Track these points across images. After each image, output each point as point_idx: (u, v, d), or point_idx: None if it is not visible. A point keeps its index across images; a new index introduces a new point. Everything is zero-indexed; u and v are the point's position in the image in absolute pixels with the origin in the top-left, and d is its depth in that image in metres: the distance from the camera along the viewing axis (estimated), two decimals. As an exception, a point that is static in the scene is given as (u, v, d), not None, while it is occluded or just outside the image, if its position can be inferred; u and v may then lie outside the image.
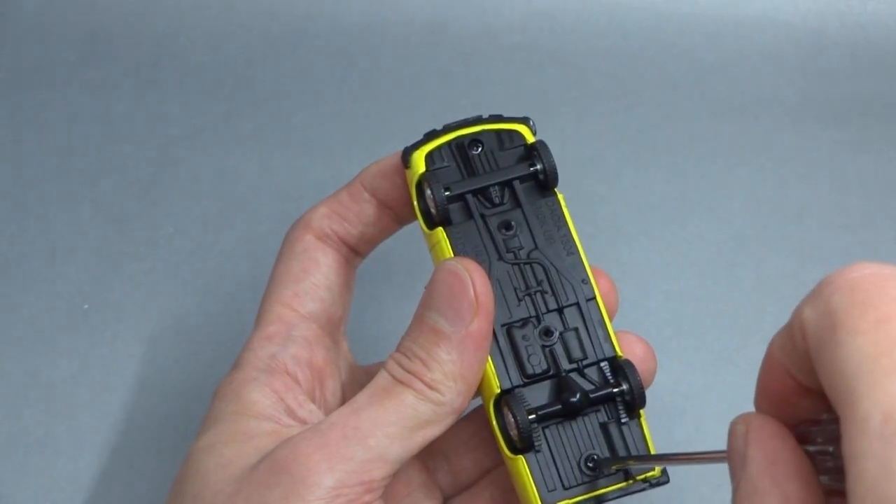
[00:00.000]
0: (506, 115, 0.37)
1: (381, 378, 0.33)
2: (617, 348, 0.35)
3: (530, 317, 0.34)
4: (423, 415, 0.32)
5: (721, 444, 0.46)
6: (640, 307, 0.52)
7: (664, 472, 0.34)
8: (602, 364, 0.34)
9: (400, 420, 0.32)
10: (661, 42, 0.63)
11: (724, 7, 0.64)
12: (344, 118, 0.59)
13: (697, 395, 0.49)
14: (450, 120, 0.37)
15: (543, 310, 0.34)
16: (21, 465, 0.47)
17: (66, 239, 0.54)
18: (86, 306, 0.52)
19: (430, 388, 0.32)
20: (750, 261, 0.54)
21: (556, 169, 0.35)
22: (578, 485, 0.33)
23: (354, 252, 0.39)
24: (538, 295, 0.35)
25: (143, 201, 0.55)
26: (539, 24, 0.63)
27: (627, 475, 0.33)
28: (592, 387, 0.34)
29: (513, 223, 0.35)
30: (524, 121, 0.37)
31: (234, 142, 0.58)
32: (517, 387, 0.34)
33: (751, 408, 0.49)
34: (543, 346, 0.34)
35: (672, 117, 0.60)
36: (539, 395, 0.34)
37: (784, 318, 0.55)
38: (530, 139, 0.36)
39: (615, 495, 0.34)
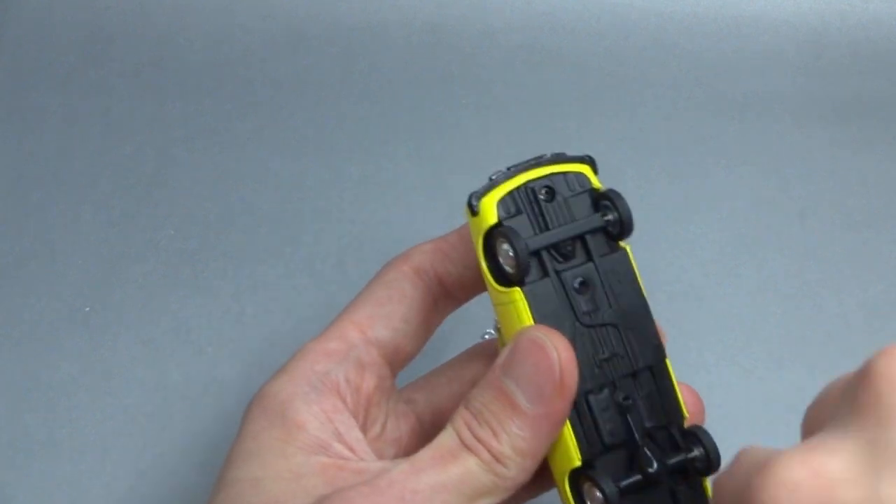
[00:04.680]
0: (568, 153, 0.35)
1: (447, 437, 0.32)
2: (684, 410, 0.34)
3: (607, 383, 0.33)
4: (484, 486, 0.31)
5: (721, 443, 0.46)
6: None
7: None
8: (671, 428, 0.33)
9: (460, 488, 0.31)
10: (661, 42, 0.63)
11: (724, 7, 0.64)
12: (344, 119, 0.59)
13: (699, 395, 0.49)
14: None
15: (619, 374, 0.33)
16: (22, 467, 0.47)
17: (66, 241, 0.54)
18: (87, 308, 0.52)
19: (497, 460, 0.31)
20: (752, 260, 0.54)
21: (632, 220, 0.33)
22: None
23: (450, 296, 0.37)
24: (614, 359, 0.33)
25: (143, 203, 0.55)
26: (539, 24, 0.63)
27: None
28: (670, 455, 0.33)
29: (589, 282, 0.33)
30: (588, 161, 0.35)
31: (235, 143, 0.58)
32: (594, 458, 0.32)
33: (751, 408, 0.49)
34: (620, 415, 0.33)
35: (673, 117, 0.60)
36: (615, 465, 0.32)
37: (785, 318, 0.55)
38: (596, 183, 0.34)
39: None
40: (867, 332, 0.52)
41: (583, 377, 0.32)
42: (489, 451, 0.31)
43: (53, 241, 0.54)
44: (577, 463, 0.32)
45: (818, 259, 0.54)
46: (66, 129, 0.59)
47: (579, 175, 0.34)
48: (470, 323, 0.40)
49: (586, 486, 0.32)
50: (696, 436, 0.33)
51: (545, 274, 0.33)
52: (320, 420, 0.33)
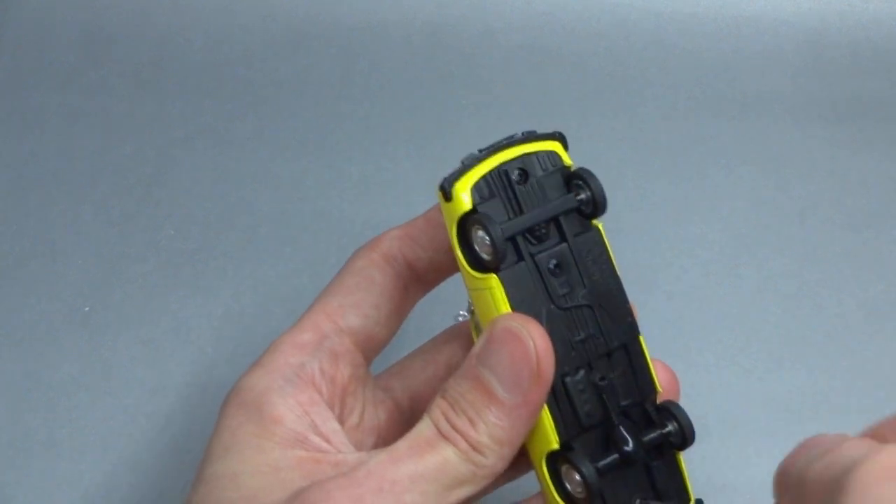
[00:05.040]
0: (538, 131, 0.34)
1: (425, 427, 0.31)
2: (657, 385, 0.34)
3: (583, 364, 0.33)
4: (462, 475, 0.31)
5: (721, 443, 0.46)
6: (641, 307, 0.51)
7: (700, 503, 0.34)
8: (646, 404, 0.33)
9: (438, 477, 0.31)
10: (661, 42, 0.63)
11: (724, 7, 0.64)
12: (344, 119, 0.59)
13: (700, 395, 0.49)
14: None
15: (595, 355, 0.33)
16: (22, 467, 0.47)
17: (66, 241, 0.54)
18: (86, 308, 0.52)
19: (475, 449, 0.31)
20: (751, 260, 0.54)
21: (605, 198, 0.33)
22: None
23: (420, 280, 0.37)
24: (589, 340, 0.33)
25: (143, 203, 0.55)
26: (539, 24, 0.63)
27: None
28: (645, 432, 0.33)
29: (563, 263, 0.33)
30: (559, 138, 0.34)
31: (235, 143, 0.58)
32: (572, 440, 0.32)
33: (752, 408, 0.49)
34: (596, 396, 0.32)
35: (672, 117, 0.60)
36: (592, 445, 0.33)
37: (785, 318, 0.55)
38: (567, 161, 0.34)
39: None
40: (867, 332, 0.52)
41: (559, 360, 0.32)
42: (467, 440, 0.31)
43: (53, 241, 0.54)
44: (555, 446, 0.32)
45: (818, 259, 0.54)
46: (66, 129, 0.59)
47: (551, 154, 0.33)
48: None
49: (564, 468, 0.32)
50: (670, 411, 0.33)
51: (520, 258, 0.32)
52: (297, 413, 0.33)
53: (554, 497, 0.33)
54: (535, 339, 0.31)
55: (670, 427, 0.33)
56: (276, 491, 0.31)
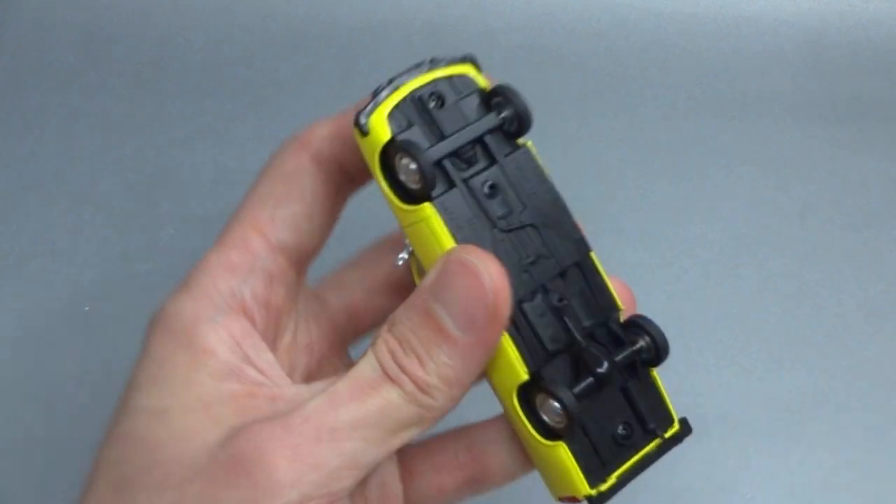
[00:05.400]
0: (443, 56, 0.32)
1: (368, 366, 0.29)
2: (618, 302, 0.32)
3: (537, 287, 0.31)
4: (408, 418, 0.29)
5: (721, 443, 0.46)
6: (641, 308, 0.51)
7: (684, 422, 0.33)
8: (610, 324, 0.32)
9: (382, 422, 0.28)
10: (661, 42, 0.63)
11: (724, 7, 0.64)
12: (344, 118, 0.59)
13: (700, 395, 0.49)
14: None
15: (547, 276, 0.31)
16: (22, 467, 0.47)
17: (66, 240, 0.54)
18: (86, 308, 0.52)
19: (422, 391, 0.29)
20: (751, 260, 0.54)
21: (529, 114, 0.31)
22: (616, 458, 0.31)
23: (352, 181, 0.34)
24: (540, 261, 0.31)
25: (143, 202, 0.55)
26: (539, 24, 0.63)
27: (654, 435, 0.32)
28: (616, 351, 0.31)
29: (497, 185, 0.31)
30: (470, 60, 0.32)
31: (235, 143, 0.58)
32: (540, 369, 0.31)
33: (752, 408, 0.49)
34: (557, 319, 0.31)
35: (672, 117, 0.60)
36: (561, 372, 0.31)
37: (785, 318, 0.55)
38: (483, 82, 0.32)
39: (652, 459, 0.32)
40: (867, 332, 0.52)
41: (512, 286, 0.30)
42: (414, 381, 0.29)
43: (53, 241, 0.54)
44: (525, 377, 0.30)
45: (818, 259, 0.54)
46: (66, 129, 0.59)
47: (463, 77, 0.32)
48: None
49: (539, 399, 0.31)
50: (639, 325, 0.32)
51: (451, 184, 0.31)
52: (229, 346, 0.30)
53: (529, 432, 0.31)
54: (492, 275, 0.28)
55: (641, 343, 0.32)
56: (208, 430, 0.29)
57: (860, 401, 0.49)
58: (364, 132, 0.31)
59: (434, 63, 0.32)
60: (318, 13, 0.63)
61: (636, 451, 0.32)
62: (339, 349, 0.36)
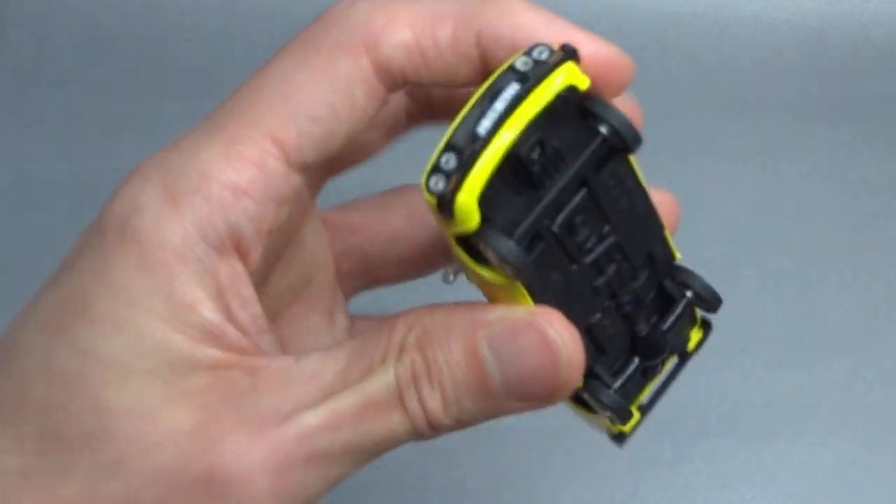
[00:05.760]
0: (545, 51, 0.24)
1: (383, 385, 0.24)
2: (675, 253, 0.28)
3: (608, 298, 0.27)
4: (399, 443, 0.25)
5: (721, 443, 0.46)
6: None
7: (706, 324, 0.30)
8: (665, 284, 0.28)
9: (376, 449, 0.24)
10: (662, 42, 0.63)
11: (724, 7, 0.64)
12: (344, 118, 0.59)
13: (700, 395, 0.49)
14: None
15: (620, 283, 0.27)
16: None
17: (66, 241, 0.54)
18: (87, 307, 0.51)
19: (432, 427, 0.24)
20: (751, 261, 0.54)
21: (631, 128, 0.26)
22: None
23: (422, 112, 0.28)
24: (618, 273, 0.26)
25: (143, 202, 0.55)
26: (539, 24, 0.63)
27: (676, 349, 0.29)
28: (665, 317, 0.28)
29: (584, 210, 0.25)
30: (571, 55, 0.24)
31: (235, 142, 0.58)
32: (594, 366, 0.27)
33: (752, 408, 0.49)
34: (626, 326, 0.27)
35: (672, 117, 0.60)
36: (613, 360, 0.28)
37: (785, 318, 0.55)
38: (583, 84, 0.24)
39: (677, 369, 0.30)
40: (867, 332, 0.52)
41: (584, 310, 0.26)
42: (429, 419, 0.24)
43: (54, 241, 0.54)
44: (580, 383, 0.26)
45: (818, 259, 0.54)
46: (66, 129, 0.59)
47: (570, 89, 0.24)
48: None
49: (596, 386, 0.27)
50: (684, 282, 0.28)
51: (539, 238, 0.25)
52: (213, 298, 0.24)
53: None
54: (571, 359, 0.24)
55: (689, 295, 0.28)
56: (176, 411, 0.23)
57: (860, 401, 0.49)
58: (446, 213, 0.23)
59: (534, 76, 0.24)
60: (319, 13, 0.63)
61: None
62: (333, 298, 0.30)
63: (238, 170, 0.25)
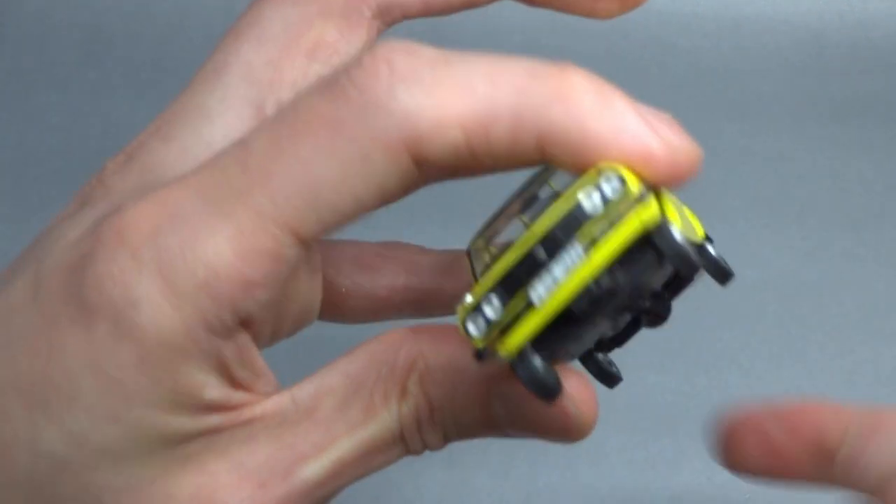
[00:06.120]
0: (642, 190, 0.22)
1: (388, 432, 0.23)
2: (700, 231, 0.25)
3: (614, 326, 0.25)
4: (392, 463, 0.24)
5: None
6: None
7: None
8: None
9: (371, 472, 0.24)
10: (661, 42, 0.63)
11: (724, 7, 0.64)
12: (344, 118, 0.59)
13: (699, 395, 0.49)
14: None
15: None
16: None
17: (66, 240, 0.54)
18: (87, 307, 0.51)
19: (427, 449, 0.24)
20: (751, 261, 0.54)
21: (691, 261, 0.22)
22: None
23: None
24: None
25: (143, 202, 0.55)
26: (539, 24, 0.63)
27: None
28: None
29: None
30: (645, 197, 0.22)
31: (235, 142, 0.58)
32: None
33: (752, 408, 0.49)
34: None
35: (672, 117, 0.60)
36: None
37: (785, 318, 0.55)
38: (654, 218, 0.22)
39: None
40: (867, 332, 0.52)
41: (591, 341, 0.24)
42: (426, 446, 0.24)
43: (53, 240, 0.54)
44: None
45: (818, 259, 0.54)
46: (67, 128, 0.59)
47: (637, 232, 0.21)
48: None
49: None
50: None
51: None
52: (218, 375, 0.23)
53: None
54: (586, 422, 0.24)
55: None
56: (181, 483, 0.23)
57: (860, 401, 0.49)
58: (481, 358, 0.22)
59: (596, 221, 0.21)
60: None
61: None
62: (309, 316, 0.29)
63: (252, 266, 0.22)
